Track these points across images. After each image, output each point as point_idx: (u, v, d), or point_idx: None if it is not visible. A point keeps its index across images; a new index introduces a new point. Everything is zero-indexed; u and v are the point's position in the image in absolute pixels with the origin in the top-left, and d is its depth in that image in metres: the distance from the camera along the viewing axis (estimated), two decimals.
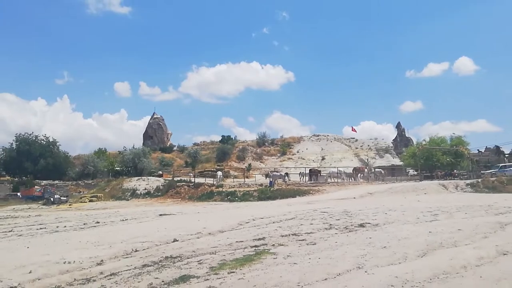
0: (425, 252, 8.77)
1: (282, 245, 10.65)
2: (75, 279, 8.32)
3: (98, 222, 20.11)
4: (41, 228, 18.66)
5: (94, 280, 8.09)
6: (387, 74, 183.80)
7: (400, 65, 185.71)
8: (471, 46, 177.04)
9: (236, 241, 11.62)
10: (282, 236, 12.17)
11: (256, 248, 10.33)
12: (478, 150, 56.78)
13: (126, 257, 10.34)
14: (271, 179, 40.90)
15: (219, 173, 48.47)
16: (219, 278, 7.47)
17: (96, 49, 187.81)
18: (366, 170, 50.43)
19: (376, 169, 51.09)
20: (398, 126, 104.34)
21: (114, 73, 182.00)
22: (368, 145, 75.74)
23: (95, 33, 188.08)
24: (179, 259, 9.59)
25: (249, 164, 65.59)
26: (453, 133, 55.50)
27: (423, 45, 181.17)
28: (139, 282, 7.60)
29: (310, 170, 47.49)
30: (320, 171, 47.09)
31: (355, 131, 76.62)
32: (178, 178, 47.11)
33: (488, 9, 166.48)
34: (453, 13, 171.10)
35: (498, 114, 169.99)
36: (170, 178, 47.85)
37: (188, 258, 9.64)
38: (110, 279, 8.09)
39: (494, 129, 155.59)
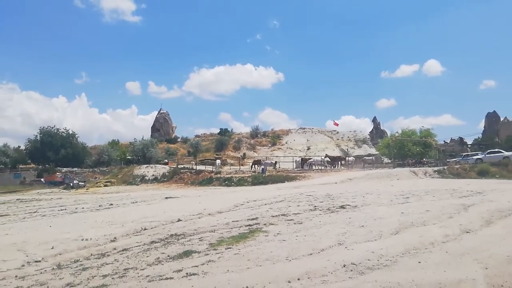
0: (398, 231, 8.79)
1: (272, 224, 10.64)
2: (91, 254, 8.29)
3: (112, 204, 20.03)
4: (62, 210, 18.58)
5: (108, 255, 8.06)
6: (365, 74, 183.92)
7: (376, 66, 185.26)
8: (439, 50, 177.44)
9: (233, 221, 11.60)
10: (273, 216, 12.16)
11: (250, 227, 10.32)
12: (444, 141, 57.10)
13: (136, 235, 10.30)
14: (263, 166, 40.87)
15: (218, 161, 48.40)
16: (218, 253, 7.46)
17: (110, 53, 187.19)
18: (352, 158, 50.29)
19: (367, 157, 50.86)
20: (374, 120, 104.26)
21: (126, 74, 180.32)
22: (348, 137, 75.83)
23: (110, 39, 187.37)
24: (183, 236, 9.57)
25: (244, 154, 65.39)
26: (422, 126, 55.48)
27: (396, 49, 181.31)
28: (147, 256, 7.57)
29: (301, 158, 47.40)
30: (312, 159, 46.77)
31: (337, 124, 76.75)
32: (182, 166, 46.84)
33: (453, 18, 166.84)
34: (422, 21, 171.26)
35: (462, 110, 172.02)
36: (174, 166, 47.56)
37: (190, 235, 9.62)
38: (122, 254, 8.06)
39: (458, 122, 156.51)
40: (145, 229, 11.07)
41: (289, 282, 5.56)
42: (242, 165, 49.26)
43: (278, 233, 9.17)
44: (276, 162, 45.25)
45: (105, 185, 41.18)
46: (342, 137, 76.11)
